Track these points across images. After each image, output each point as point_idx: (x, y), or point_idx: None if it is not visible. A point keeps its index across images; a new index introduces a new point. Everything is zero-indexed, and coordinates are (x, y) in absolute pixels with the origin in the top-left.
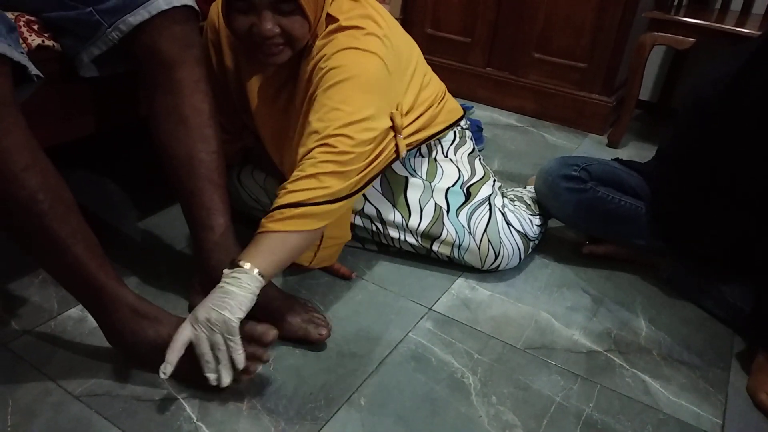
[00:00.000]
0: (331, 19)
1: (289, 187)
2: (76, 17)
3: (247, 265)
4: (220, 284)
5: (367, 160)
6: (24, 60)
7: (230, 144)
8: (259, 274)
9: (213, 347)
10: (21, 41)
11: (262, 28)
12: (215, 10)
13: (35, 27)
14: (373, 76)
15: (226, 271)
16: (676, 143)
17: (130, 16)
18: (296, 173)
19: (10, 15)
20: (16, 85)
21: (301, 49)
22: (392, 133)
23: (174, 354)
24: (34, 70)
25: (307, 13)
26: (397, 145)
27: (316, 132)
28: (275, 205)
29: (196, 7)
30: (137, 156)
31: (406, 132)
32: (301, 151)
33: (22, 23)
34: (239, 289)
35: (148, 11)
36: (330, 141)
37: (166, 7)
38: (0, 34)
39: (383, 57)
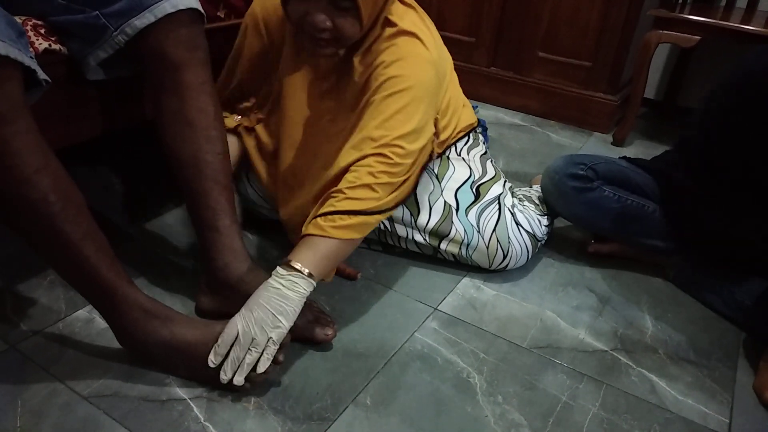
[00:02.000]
0: (388, 22)
1: (348, 193)
2: (82, 21)
3: (306, 270)
4: (276, 284)
5: (414, 167)
6: (33, 64)
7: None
8: (313, 280)
9: (252, 347)
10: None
11: (315, 18)
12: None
13: (42, 31)
14: (430, 86)
15: (282, 271)
16: (705, 137)
17: (136, 20)
18: (352, 179)
19: (17, 19)
20: (25, 90)
21: (350, 45)
22: (433, 138)
23: (225, 347)
24: (42, 74)
25: (362, 15)
26: (433, 148)
27: (372, 139)
28: (334, 209)
29: (202, 10)
30: (144, 158)
31: (442, 136)
32: (355, 154)
33: (29, 27)
34: (295, 294)
35: (154, 14)
36: (385, 151)
37: (172, 10)
38: (10, 38)
39: (436, 65)
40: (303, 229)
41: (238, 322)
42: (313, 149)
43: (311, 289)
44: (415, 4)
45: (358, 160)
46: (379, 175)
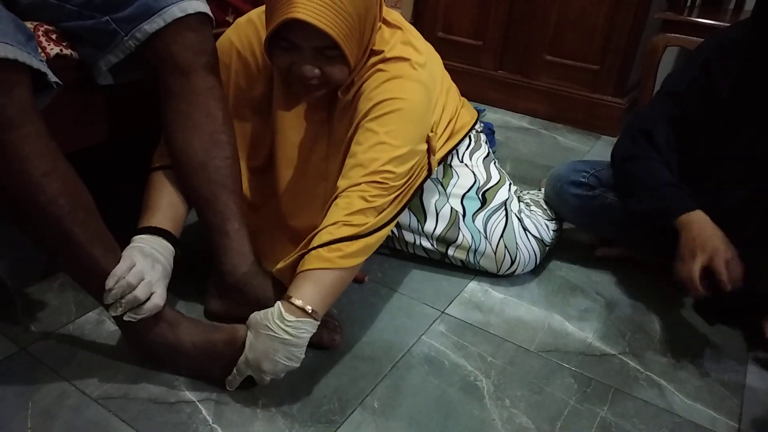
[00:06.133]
0: (373, 52)
1: (347, 219)
2: (93, 26)
3: (309, 308)
4: (283, 333)
5: (406, 186)
6: (43, 67)
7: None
8: (318, 318)
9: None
10: (39, 50)
11: (302, 69)
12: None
13: (53, 36)
14: (419, 107)
15: (289, 317)
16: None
17: (145, 24)
18: (344, 205)
19: (29, 25)
20: (36, 93)
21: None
22: (426, 154)
23: (240, 380)
24: (53, 77)
25: (349, 60)
26: (429, 164)
27: (362, 165)
28: (335, 238)
29: (210, 14)
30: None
31: (440, 151)
32: (345, 183)
33: (40, 32)
34: (302, 339)
35: (163, 19)
36: (377, 178)
37: (181, 15)
38: (19, 42)
39: (426, 85)
40: (300, 264)
41: (251, 373)
42: (310, 190)
43: (316, 328)
44: (401, 21)
45: (350, 187)
46: (372, 198)
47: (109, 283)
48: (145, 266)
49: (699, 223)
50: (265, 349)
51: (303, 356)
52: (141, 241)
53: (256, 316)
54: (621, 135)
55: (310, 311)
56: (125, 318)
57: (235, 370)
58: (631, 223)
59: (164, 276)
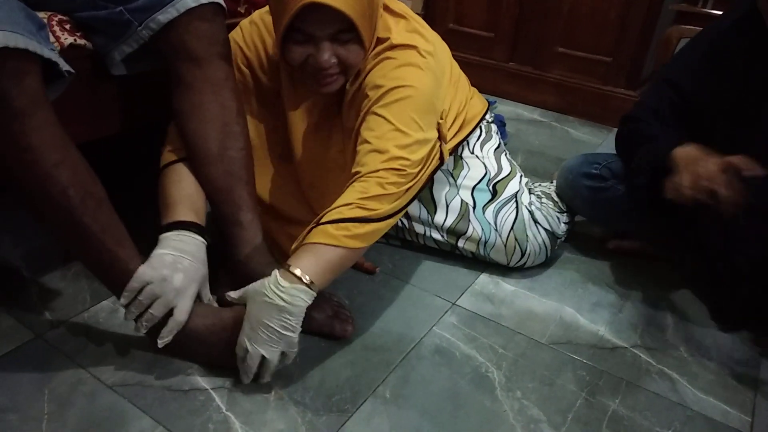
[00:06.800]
0: (379, 39)
1: (360, 203)
2: (106, 17)
3: (307, 278)
4: (278, 300)
5: (420, 174)
6: (54, 56)
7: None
8: (315, 290)
9: (267, 362)
10: (54, 40)
11: (319, 59)
12: (253, 30)
13: (67, 26)
14: (428, 94)
15: (283, 282)
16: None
17: (159, 14)
18: (361, 189)
19: (42, 15)
20: (48, 82)
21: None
22: (438, 143)
23: (253, 370)
24: (65, 65)
25: (364, 41)
26: (441, 152)
27: (378, 151)
28: (344, 217)
29: (223, 4)
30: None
31: (452, 141)
32: (362, 169)
33: (54, 22)
34: (297, 308)
35: (176, 9)
36: (395, 164)
37: (194, 5)
38: (30, 32)
39: (435, 72)
40: (306, 237)
41: (248, 345)
42: (333, 184)
43: (312, 300)
44: (406, 11)
45: (367, 174)
46: (389, 185)
47: (122, 301)
48: (158, 282)
49: (686, 149)
50: (260, 317)
51: (300, 328)
52: (167, 243)
53: (254, 284)
54: (619, 123)
55: (307, 281)
56: (159, 345)
57: (236, 348)
58: (634, 198)
59: (188, 283)
